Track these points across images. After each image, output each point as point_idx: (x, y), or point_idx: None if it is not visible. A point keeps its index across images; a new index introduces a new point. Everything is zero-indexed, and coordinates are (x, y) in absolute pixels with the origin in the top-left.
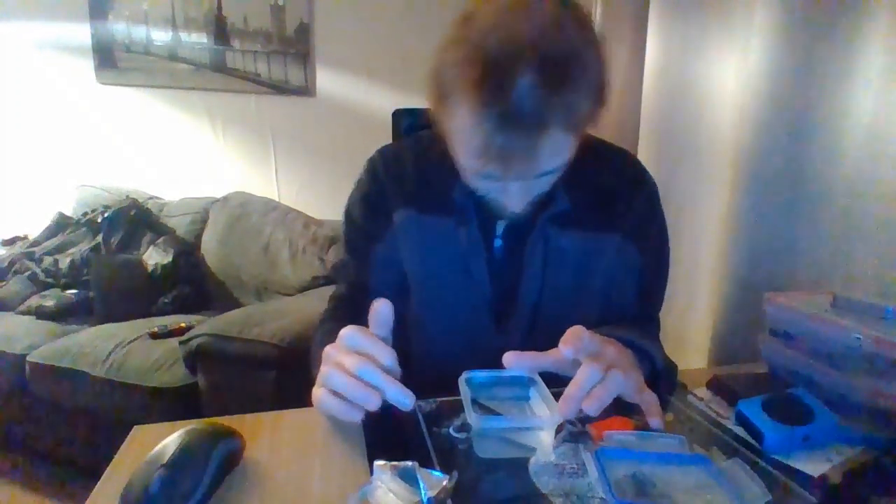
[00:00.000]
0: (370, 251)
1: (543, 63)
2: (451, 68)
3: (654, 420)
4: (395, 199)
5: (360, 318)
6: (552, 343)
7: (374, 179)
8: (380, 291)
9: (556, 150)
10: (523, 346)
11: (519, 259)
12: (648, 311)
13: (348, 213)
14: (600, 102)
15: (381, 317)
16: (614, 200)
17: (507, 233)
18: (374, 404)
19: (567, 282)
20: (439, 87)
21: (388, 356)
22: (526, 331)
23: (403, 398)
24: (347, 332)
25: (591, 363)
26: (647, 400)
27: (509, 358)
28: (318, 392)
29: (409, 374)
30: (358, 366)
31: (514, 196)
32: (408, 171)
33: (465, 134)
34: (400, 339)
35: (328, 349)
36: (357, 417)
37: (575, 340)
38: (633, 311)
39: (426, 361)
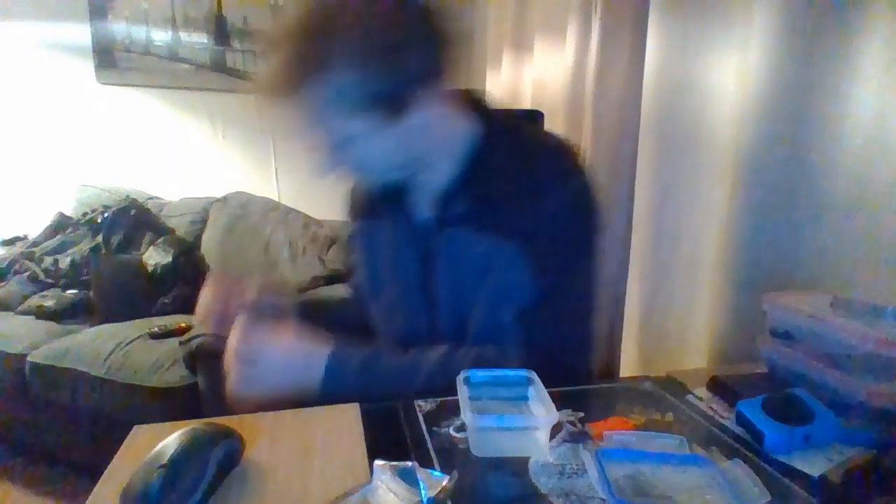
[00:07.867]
0: (352, 253)
1: None
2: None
3: None
4: (357, 207)
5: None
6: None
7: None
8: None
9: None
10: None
11: (431, 260)
12: (524, 335)
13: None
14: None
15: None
16: (519, 208)
17: (420, 233)
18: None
19: (462, 283)
20: None
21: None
22: (445, 326)
23: None
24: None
25: None
26: None
27: None
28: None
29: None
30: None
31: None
32: None
33: None
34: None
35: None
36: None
37: None
38: (506, 331)
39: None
